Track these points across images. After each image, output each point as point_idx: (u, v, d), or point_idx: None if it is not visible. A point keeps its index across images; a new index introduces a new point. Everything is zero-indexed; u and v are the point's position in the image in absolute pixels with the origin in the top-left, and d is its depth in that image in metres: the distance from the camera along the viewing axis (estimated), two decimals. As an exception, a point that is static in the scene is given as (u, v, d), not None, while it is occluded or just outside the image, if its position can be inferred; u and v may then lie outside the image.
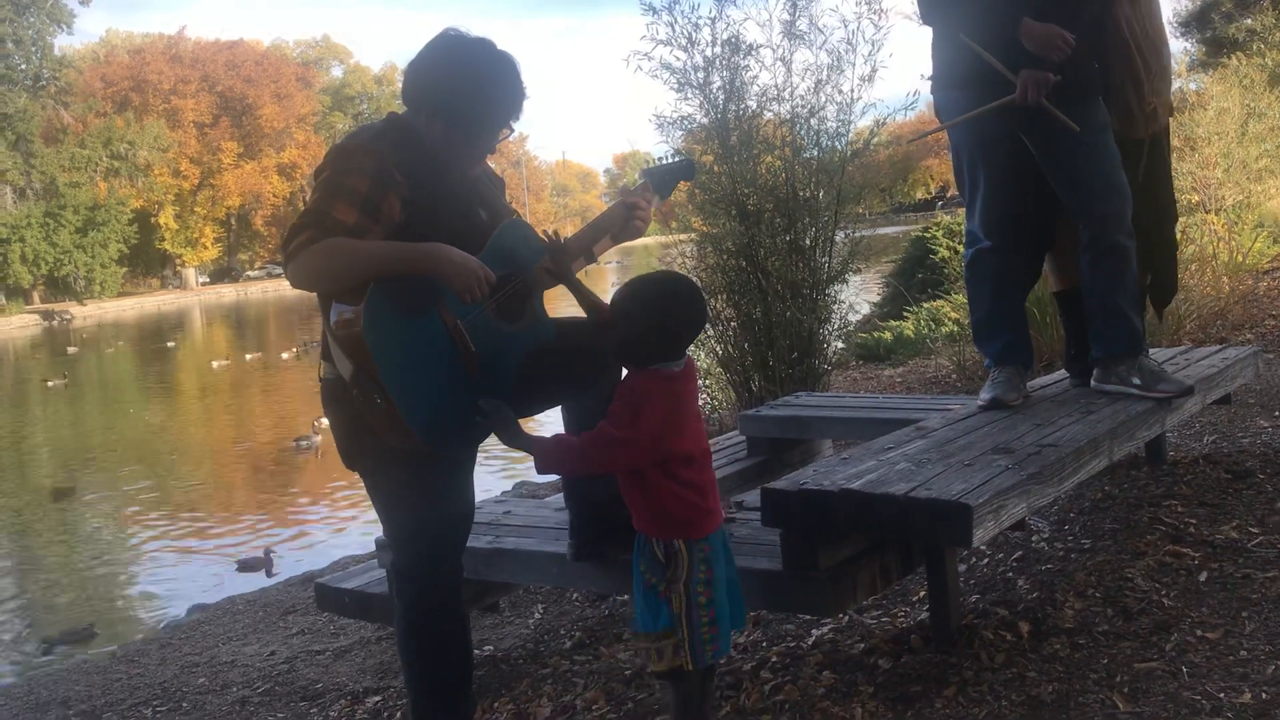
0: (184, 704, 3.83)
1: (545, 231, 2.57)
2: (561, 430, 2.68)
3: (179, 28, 63.78)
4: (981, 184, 3.25)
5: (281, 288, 49.50)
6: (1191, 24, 25.70)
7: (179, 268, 57.89)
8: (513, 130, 2.58)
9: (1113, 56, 3.26)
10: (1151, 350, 3.99)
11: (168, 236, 55.30)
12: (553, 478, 2.94)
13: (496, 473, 8.38)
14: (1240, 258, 8.15)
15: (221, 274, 60.76)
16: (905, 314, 10.63)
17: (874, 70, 6.54)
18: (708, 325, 6.84)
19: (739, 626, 2.36)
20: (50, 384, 20.69)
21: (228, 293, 53.72)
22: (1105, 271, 3.22)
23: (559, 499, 3.32)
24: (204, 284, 57.93)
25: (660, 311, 2.22)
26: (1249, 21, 20.48)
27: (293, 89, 60.87)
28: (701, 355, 7.08)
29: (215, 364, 21.77)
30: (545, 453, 2.21)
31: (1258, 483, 3.53)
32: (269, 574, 6.79)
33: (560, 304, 2.84)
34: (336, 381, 2.40)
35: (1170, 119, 3.56)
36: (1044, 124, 3.10)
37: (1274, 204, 12.91)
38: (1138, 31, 3.27)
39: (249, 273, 60.80)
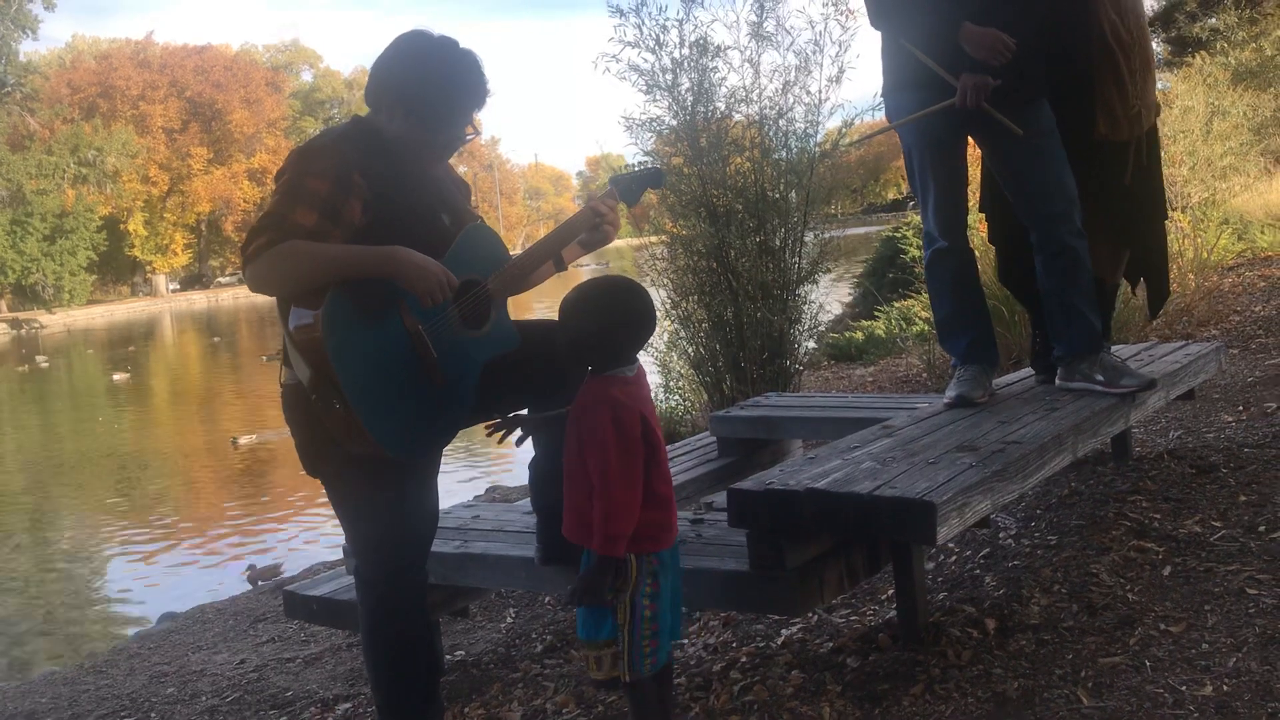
0: (152, 714, 3.79)
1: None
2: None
3: (146, 33, 63.23)
4: (932, 185, 3.28)
5: (253, 294, 49.15)
6: (1156, 23, 25.92)
7: (149, 275, 57.37)
8: (477, 131, 2.57)
9: (1095, 59, 3.29)
10: (1117, 346, 4.03)
11: (137, 243, 54.79)
12: (524, 479, 2.94)
13: (467, 479, 8.36)
14: (1206, 255, 8.23)
15: (192, 280, 60.25)
16: (876, 313, 10.68)
17: (841, 71, 6.59)
18: (680, 327, 6.86)
19: (676, 638, 2.36)
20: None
21: (199, 299, 53.25)
22: (1057, 272, 3.25)
23: (528, 503, 3.31)
24: (175, 291, 57.42)
25: (609, 316, 2.22)
26: (1212, 21, 20.71)
27: (262, 94, 60.43)
28: (673, 357, 7.10)
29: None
30: (606, 542, 2.13)
31: (1221, 477, 3.57)
32: (259, 582, 6.67)
33: (528, 307, 2.83)
34: (296, 387, 2.38)
35: (1157, 119, 3.59)
36: (990, 127, 3.12)
37: (1238, 201, 13.05)
38: (1121, 34, 3.30)
39: (220, 279, 60.31)
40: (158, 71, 57.10)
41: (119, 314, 46.84)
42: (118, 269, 56.38)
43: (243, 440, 12.00)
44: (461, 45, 2.47)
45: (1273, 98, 15.87)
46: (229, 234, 59.16)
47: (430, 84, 2.40)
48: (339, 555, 4.70)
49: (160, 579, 7.45)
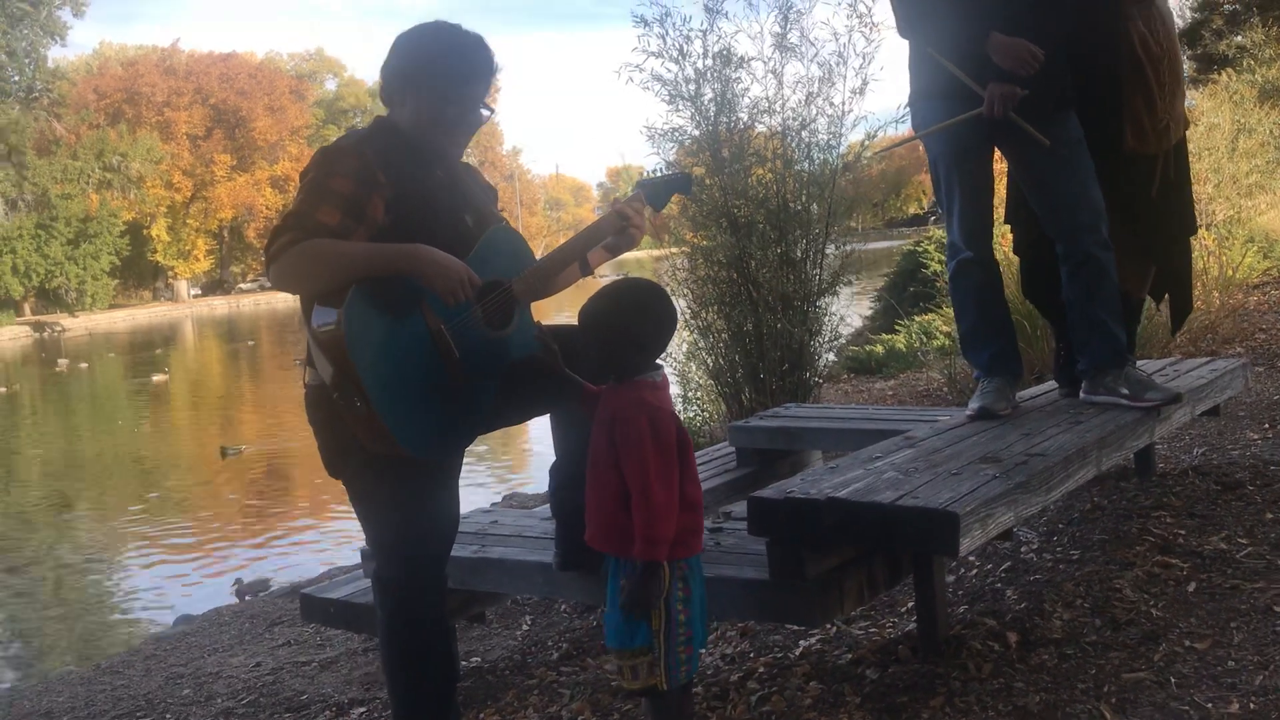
0: (168, 715, 3.79)
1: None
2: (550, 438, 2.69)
3: (173, 40, 63.78)
4: (958, 195, 3.26)
5: (273, 300, 49.41)
6: (1183, 40, 25.82)
7: (171, 280, 57.75)
8: (490, 109, 2.55)
9: (1125, 71, 3.27)
10: (1141, 362, 3.99)
11: (160, 249, 55.18)
12: (543, 488, 2.92)
13: (485, 484, 8.36)
14: (1231, 272, 8.16)
15: (213, 286, 60.60)
16: (897, 327, 10.64)
17: (865, 83, 6.57)
18: (699, 337, 6.85)
19: (702, 645, 2.35)
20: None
21: (219, 305, 53.58)
22: (1082, 284, 3.22)
23: (547, 509, 3.30)
24: (196, 296, 57.76)
25: (636, 319, 2.21)
26: (1239, 38, 20.59)
27: (286, 102, 60.84)
28: (693, 367, 7.08)
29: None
30: (649, 546, 2.11)
31: (1247, 494, 3.52)
32: (245, 596, 6.63)
33: (554, 310, 2.82)
34: (319, 386, 2.38)
35: (1186, 133, 3.56)
36: (1017, 137, 3.10)
37: (1264, 219, 12.94)
38: (1151, 46, 3.28)
39: (241, 285, 60.64)
40: (183, 78, 57.58)
41: (140, 318, 47.17)
42: (140, 274, 56.78)
43: (232, 451, 12.03)
44: (463, 28, 2.48)
45: (1300, 116, 15.73)
46: (251, 240, 59.53)
47: (429, 57, 2.42)
48: (323, 570, 4.72)
49: (177, 582, 7.48)
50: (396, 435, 2.28)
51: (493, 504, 6.33)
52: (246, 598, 6.19)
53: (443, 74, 2.42)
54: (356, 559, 4.13)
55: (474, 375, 2.40)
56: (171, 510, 10.13)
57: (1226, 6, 22.69)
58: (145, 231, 53.44)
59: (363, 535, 2.64)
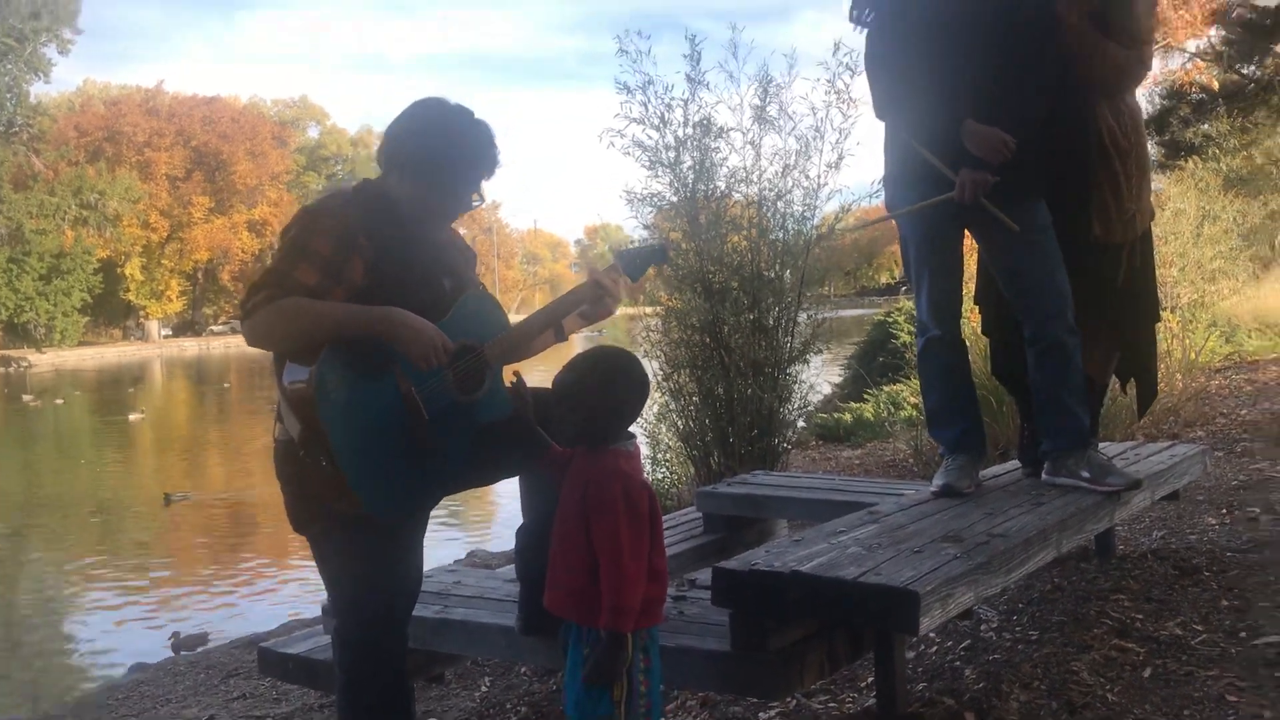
0: (115, 768, 3.72)
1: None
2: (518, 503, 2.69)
3: (157, 81, 63.80)
4: (928, 275, 3.33)
5: (244, 343, 49.03)
6: (1151, 127, 26.44)
7: (142, 319, 57.33)
8: (482, 198, 2.61)
9: (1093, 162, 3.36)
10: (1104, 444, 4.05)
11: (133, 288, 54.82)
12: (507, 545, 2.92)
13: (451, 539, 8.30)
14: (1194, 355, 8.31)
15: (184, 327, 60.18)
16: (865, 396, 10.72)
17: (840, 158, 6.69)
18: (670, 400, 6.89)
19: (660, 716, 2.35)
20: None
21: (190, 346, 53.17)
22: (1048, 368, 3.28)
23: (510, 570, 3.29)
24: (166, 336, 57.32)
25: (614, 389, 2.25)
26: (1205, 127, 21.12)
27: (268, 147, 60.98)
28: (663, 429, 7.10)
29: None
30: (617, 616, 2.12)
31: (1203, 580, 3.57)
32: (181, 651, 6.44)
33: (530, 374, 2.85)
34: (287, 442, 2.39)
35: (1151, 223, 3.66)
36: (987, 222, 3.18)
37: (1227, 304, 13.20)
38: (1119, 139, 3.38)
39: (212, 327, 60.27)
40: (165, 120, 57.63)
41: (109, 356, 46.67)
42: (111, 312, 56.33)
43: (178, 497, 11.83)
44: (476, 115, 2.52)
45: (1262, 205, 16.15)
46: (225, 283, 59.33)
47: (444, 150, 2.45)
48: (314, 612, 4.66)
49: (128, 629, 7.35)
50: (362, 496, 2.30)
51: (457, 561, 6.28)
52: (183, 653, 6.06)
53: (449, 167, 2.46)
54: (305, 613, 4.10)
55: (443, 438, 2.41)
56: (127, 553, 9.97)
57: (1194, 95, 23.29)
58: (119, 270, 53.12)
59: (322, 591, 2.64)
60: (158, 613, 7.63)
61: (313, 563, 2.55)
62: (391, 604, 2.53)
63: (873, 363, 12.53)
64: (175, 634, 6.56)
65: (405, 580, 2.57)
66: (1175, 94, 23.88)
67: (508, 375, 2.56)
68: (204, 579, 8.57)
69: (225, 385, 30.56)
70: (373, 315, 2.31)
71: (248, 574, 8.59)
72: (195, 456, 17.13)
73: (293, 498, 2.45)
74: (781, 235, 6.88)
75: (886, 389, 10.47)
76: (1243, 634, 3.07)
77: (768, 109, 6.67)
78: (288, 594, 7.65)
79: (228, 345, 51.73)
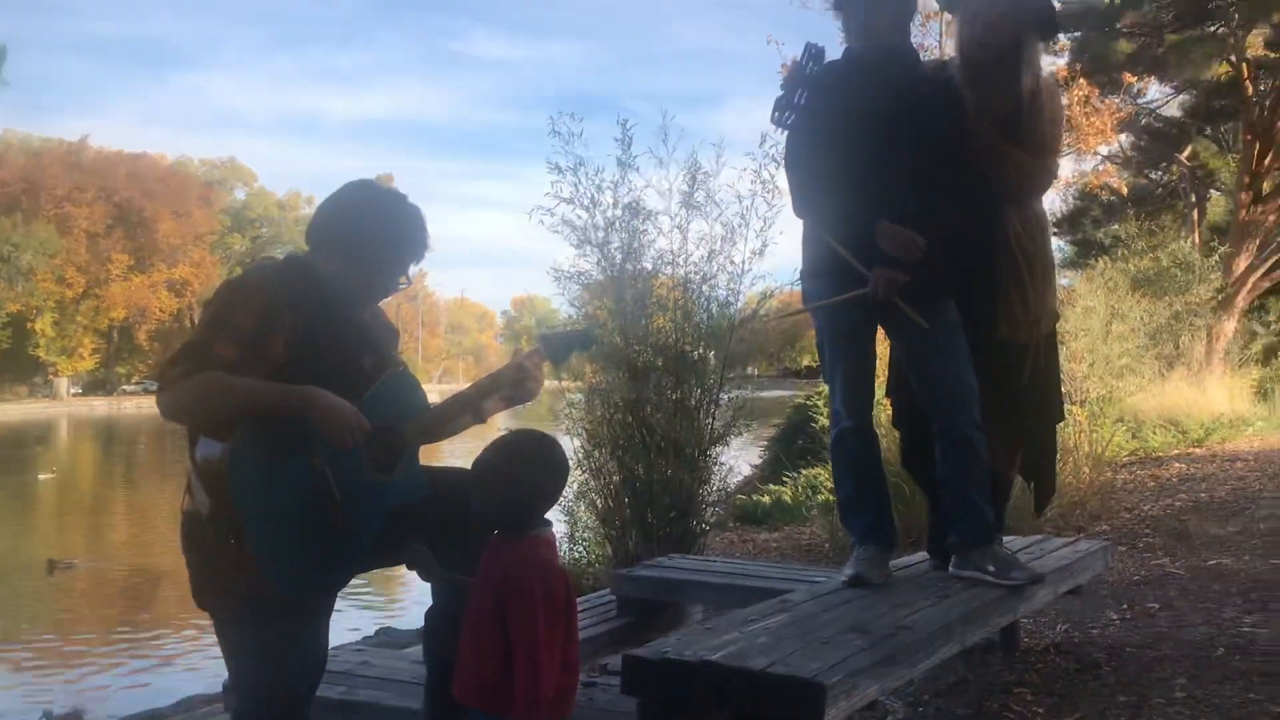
0: None
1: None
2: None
3: (81, 135, 62.80)
4: (841, 368, 3.41)
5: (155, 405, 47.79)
6: (1064, 225, 27.50)
7: (51, 376, 55.73)
8: (410, 280, 2.64)
9: (1000, 264, 3.49)
10: (1010, 538, 4.14)
11: (43, 344, 53.40)
12: (417, 623, 2.88)
13: (355, 618, 8.11)
14: (1101, 450, 8.55)
15: (95, 385, 58.63)
16: (784, 479, 10.81)
17: (765, 245, 6.83)
18: (590, 479, 6.88)
19: None
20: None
21: (100, 405, 51.73)
22: (955, 463, 3.37)
23: (419, 650, 3.25)
24: (75, 394, 55.76)
25: (534, 477, 2.26)
26: (1115, 228, 21.99)
27: (193, 206, 60.31)
28: (581, 507, 7.08)
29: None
30: (531, 707, 2.12)
31: (1102, 675, 3.65)
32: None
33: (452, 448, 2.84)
34: (195, 516, 2.36)
35: (1055, 325, 3.79)
36: (899, 319, 3.28)
37: (1133, 400, 13.62)
38: (1025, 243, 3.53)
39: (125, 387, 58.76)
40: (88, 174, 56.73)
41: (13, 414, 45.14)
42: (19, 368, 54.68)
43: (63, 565, 11.30)
44: (409, 200, 2.56)
45: (1167, 306, 16.77)
46: (141, 342, 58.08)
47: (374, 232, 2.47)
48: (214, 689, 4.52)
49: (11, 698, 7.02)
50: (269, 574, 2.27)
51: (365, 639, 6.16)
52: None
53: (385, 252, 2.50)
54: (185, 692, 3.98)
55: (355, 519, 2.40)
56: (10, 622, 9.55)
57: (1105, 198, 24.28)
58: (29, 325, 51.73)
59: (219, 669, 2.58)
60: (26, 687, 7.26)
61: (202, 638, 2.50)
62: (295, 683, 2.49)
63: (792, 445, 12.66)
64: (46, 714, 6.25)
65: (310, 659, 2.52)
66: (1087, 196, 24.93)
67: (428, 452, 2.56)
68: (79, 654, 8.18)
69: (140, 445, 29.63)
70: (291, 393, 2.31)
71: (129, 648, 8.25)
72: (98, 520, 16.59)
73: (197, 572, 2.41)
74: (706, 318, 6.98)
75: (805, 472, 10.58)
76: (1138, 730, 3.14)
77: (695, 195, 6.81)
78: (172, 673, 7.36)
79: (139, 405, 50.41)
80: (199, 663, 7.38)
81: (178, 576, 2.44)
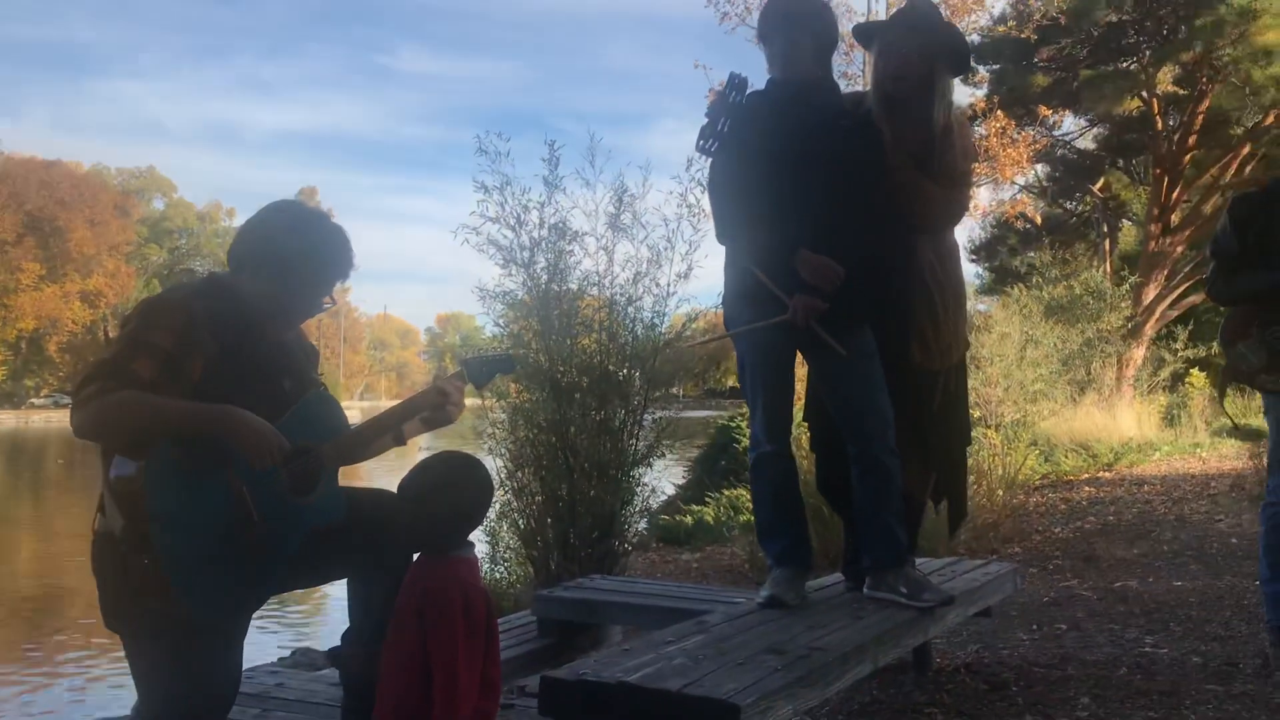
0: None
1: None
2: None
3: (-8, 141, 61.17)
4: (761, 392, 3.47)
5: (66, 419, 46.46)
6: (982, 252, 28.17)
7: (-46, 387, 54.04)
8: (334, 300, 2.64)
9: (915, 295, 3.59)
10: (924, 560, 4.24)
11: (-53, 354, 51.83)
12: (333, 643, 2.85)
13: (272, 637, 7.97)
14: (1014, 473, 8.76)
15: (2, 398, 56.83)
16: (706, 499, 10.89)
17: (690, 269, 6.89)
18: (512, 499, 6.87)
19: None
20: None
21: (7, 419, 50.12)
22: (869, 487, 3.44)
23: (335, 673, 3.22)
24: (-20, 407, 54.07)
25: (460, 497, 2.28)
26: (1031, 255, 22.58)
27: (109, 216, 58.98)
28: (504, 526, 7.06)
29: None
30: None
31: (1010, 695, 3.75)
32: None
33: (372, 467, 2.84)
34: (107, 536, 2.33)
35: (966, 352, 3.90)
36: (817, 345, 3.35)
37: (1046, 424, 13.98)
38: (940, 275, 3.63)
39: (33, 400, 57.06)
40: (-1, 180, 55.20)
41: (-88, 426, 43.59)
42: (-80, 378, 52.91)
43: None
44: (332, 219, 2.56)
45: (1079, 333, 17.25)
46: (51, 354, 56.51)
47: (300, 255, 2.48)
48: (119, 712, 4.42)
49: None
50: (183, 595, 2.25)
51: (280, 659, 6.07)
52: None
53: (311, 273, 2.51)
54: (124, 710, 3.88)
55: (272, 540, 2.39)
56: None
57: (1020, 226, 24.92)
58: (-68, 334, 50.09)
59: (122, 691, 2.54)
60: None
61: (104, 662, 2.46)
62: (207, 705, 2.46)
63: (715, 465, 12.75)
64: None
65: (223, 681, 2.50)
66: (1003, 224, 25.56)
67: (351, 475, 2.55)
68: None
69: (60, 461, 28.65)
70: (210, 413, 2.29)
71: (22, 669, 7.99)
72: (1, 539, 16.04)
73: (108, 593, 2.38)
74: (631, 339, 7.02)
75: (727, 493, 10.67)
76: (1043, 748, 3.23)
77: (622, 217, 6.86)
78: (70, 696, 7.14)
79: (48, 419, 49.01)
80: (90, 687, 7.21)
81: (85, 596, 2.39)
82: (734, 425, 12.93)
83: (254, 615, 2.58)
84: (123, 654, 2.49)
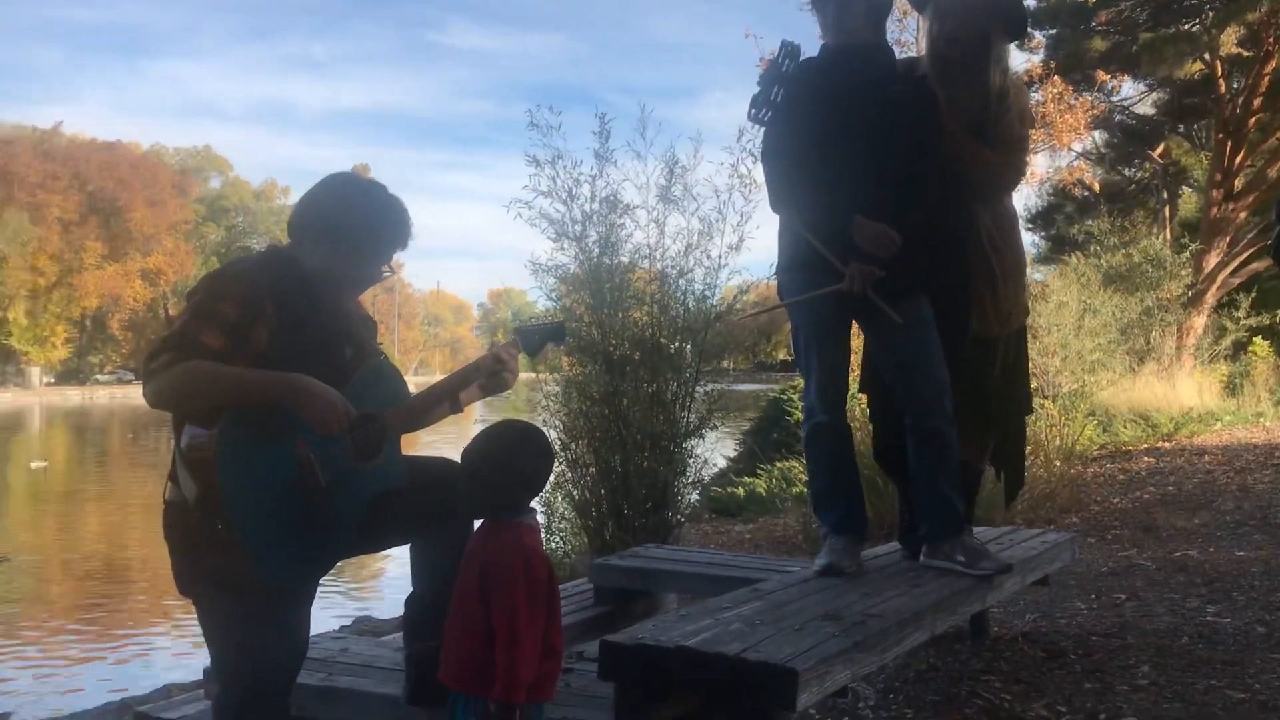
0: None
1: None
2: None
3: (54, 123, 62.08)
4: (816, 363, 3.46)
5: (129, 394, 47.53)
6: (1038, 221, 27.73)
7: (24, 365, 55.24)
8: (392, 270, 2.68)
9: (973, 263, 3.56)
10: (980, 529, 4.22)
11: (15, 332, 52.96)
12: (396, 611, 2.92)
13: (335, 606, 8.12)
14: (1071, 444, 8.66)
15: (69, 375, 58.15)
16: (759, 471, 10.89)
17: (741, 240, 6.87)
18: (566, 470, 6.93)
19: None
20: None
21: (73, 395, 51.27)
22: (926, 455, 3.43)
23: (399, 638, 3.29)
24: (49, 384, 55.31)
25: (520, 458, 2.31)
26: (1089, 223, 22.19)
27: (167, 195, 59.85)
28: (559, 498, 7.13)
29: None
30: (511, 689, 2.17)
31: (1069, 663, 3.73)
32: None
33: (429, 439, 2.88)
34: (180, 504, 2.39)
35: (1026, 320, 3.86)
36: (873, 313, 3.34)
37: (1104, 395, 13.77)
38: (998, 242, 3.59)
39: (98, 376, 58.31)
40: (60, 162, 56.18)
41: (-15, 403, 44.75)
42: (-10, 356, 54.26)
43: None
44: (390, 191, 2.60)
45: (1138, 301, 16.94)
46: (114, 331, 57.66)
47: (359, 223, 2.51)
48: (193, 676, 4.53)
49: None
50: (254, 560, 2.31)
51: (343, 627, 6.19)
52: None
53: (368, 243, 2.53)
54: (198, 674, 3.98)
55: (338, 505, 2.44)
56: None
57: (1078, 194, 24.47)
58: (2, 314, 51.28)
59: (188, 655, 2.61)
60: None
61: (171, 630, 2.53)
62: (274, 670, 2.52)
63: (767, 438, 12.74)
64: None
65: (292, 647, 2.56)
66: (1061, 192, 25.13)
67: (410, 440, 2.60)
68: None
69: (129, 435, 29.21)
70: (278, 380, 2.34)
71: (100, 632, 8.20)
72: (71, 510, 16.45)
73: (181, 559, 2.44)
74: (682, 311, 7.03)
75: (779, 465, 10.66)
76: (1102, 716, 3.22)
77: (673, 189, 6.85)
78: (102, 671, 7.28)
79: (113, 395, 50.11)
80: (157, 653, 7.40)
81: (154, 564, 2.46)
82: (785, 398, 12.91)
83: (319, 582, 2.65)
84: (193, 620, 2.57)
